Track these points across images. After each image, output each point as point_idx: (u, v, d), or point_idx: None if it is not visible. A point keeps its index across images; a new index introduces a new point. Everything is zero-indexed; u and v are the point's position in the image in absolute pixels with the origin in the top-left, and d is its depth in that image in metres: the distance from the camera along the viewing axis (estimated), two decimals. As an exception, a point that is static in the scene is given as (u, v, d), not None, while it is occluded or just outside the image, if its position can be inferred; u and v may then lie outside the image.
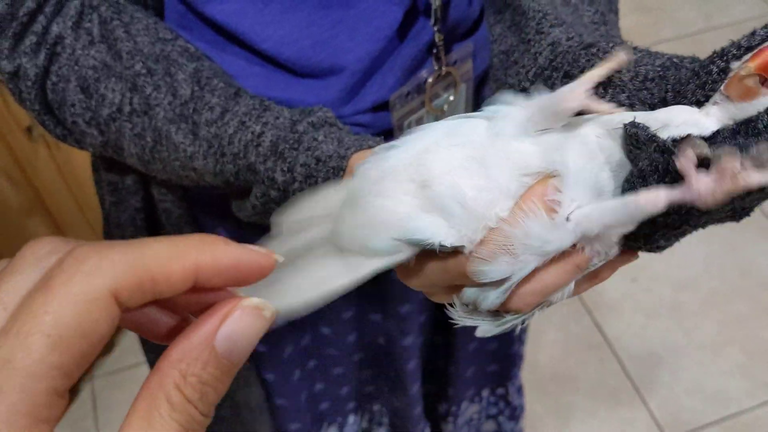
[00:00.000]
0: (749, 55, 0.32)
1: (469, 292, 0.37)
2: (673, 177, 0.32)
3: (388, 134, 0.59)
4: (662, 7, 2.30)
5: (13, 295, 0.23)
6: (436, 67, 0.57)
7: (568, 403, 1.53)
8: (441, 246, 0.34)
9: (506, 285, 0.35)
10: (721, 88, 0.33)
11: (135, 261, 0.22)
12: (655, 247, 0.36)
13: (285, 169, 0.46)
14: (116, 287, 0.22)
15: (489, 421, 1.05)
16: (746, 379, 1.54)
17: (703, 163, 0.31)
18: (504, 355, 0.95)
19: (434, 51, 0.56)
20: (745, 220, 0.36)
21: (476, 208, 0.34)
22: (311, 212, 0.39)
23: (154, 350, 0.77)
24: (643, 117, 0.34)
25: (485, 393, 1.00)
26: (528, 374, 1.03)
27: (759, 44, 0.32)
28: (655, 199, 0.32)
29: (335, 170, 0.44)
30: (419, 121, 0.58)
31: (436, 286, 0.38)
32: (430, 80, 0.56)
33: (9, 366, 0.21)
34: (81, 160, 1.27)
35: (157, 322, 0.27)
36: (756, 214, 0.37)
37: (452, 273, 0.36)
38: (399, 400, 0.88)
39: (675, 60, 0.38)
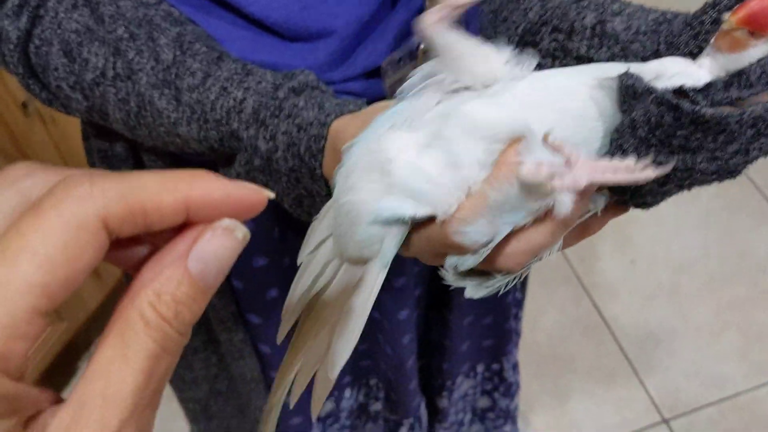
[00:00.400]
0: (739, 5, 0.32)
1: (450, 259, 0.37)
2: (665, 130, 0.32)
3: (380, 101, 0.59)
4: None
5: None
6: (428, 33, 0.56)
7: (566, 383, 1.53)
8: (413, 219, 0.35)
9: (483, 250, 0.35)
10: (712, 41, 0.33)
11: (127, 189, 0.22)
12: (641, 202, 0.37)
13: (267, 137, 0.46)
14: (106, 214, 0.22)
15: (484, 396, 1.05)
16: (743, 362, 1.54)
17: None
18: (499, 330, 0.95)
19: None
20: (744, 204, 0.36)
21: (444, 182, 0.34)
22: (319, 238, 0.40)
23: None
24: (636, 68, 0.34)
25: (480, 368, 1.00)
26: (526, 355, 1.03)
27: None
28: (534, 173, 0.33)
29: (316, 138, 0.44)
30: (411, 88, 0.58)
31: (424, 254, 0.39)
32: (422, 46, 0.56)
33: None
34: (77, 134, 1.26)
35: (144, 262, 0.26)
36: (754, 197, 0.37)
37: (434, 242, 0.36)
38: (394, 374, 0.88)
39: (668, 16, 0.38)
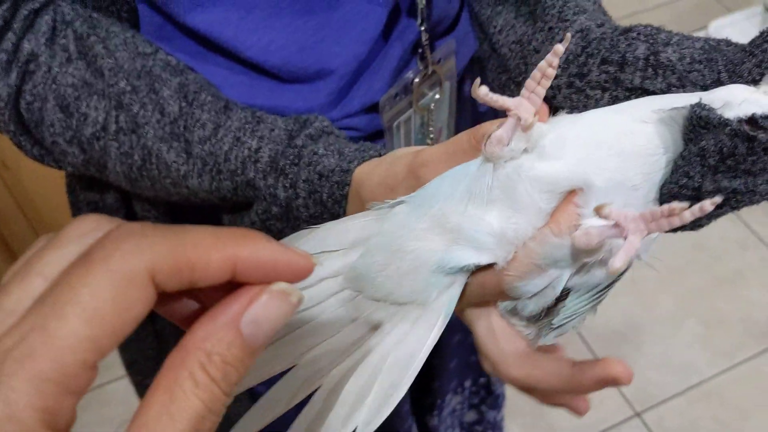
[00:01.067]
0: None
1: (503, 303, 0.38)
2: (736, 159, 0.33)
3: (378, 136, 0.59)
4: (598, -7, 2.35)
5: (54, 268, 0.23)
6: (421, 67, 0.57)
7: (539, 386, 1.56)
8: (476, 266, 0.36)
9: (540, 299, 0.36)
10: (766, 78, 0.35)
11: (175, 244, 0.22)
12: (697, 226, 0.38)
13: (287, 185, 0.46)
14: (154, 268, 0.22)
15: (471, 410, 1.05)
16: (706, 350, 1.59)
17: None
18: (485, 345, 0.95)
19: (419, 50, 0.56)
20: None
21: (505, 234, 0.35)
22: (322, 246, 0.39)
23: (141, 372, 0.75)
24: (705, 97, 0.35)
25: (468, 383, 1.01)
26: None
27: None
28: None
29: (339, 185, 0.44)
30: (407, 122, 0.58)
31: (477, 301, 0.39)
32: (416, 80, 0.56)
33: (43, 334, 0.21)
34: (31, 180, 1.22)
35: (190, 313, 0.27)
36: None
37: (489, 290, 0.37)
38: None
39: (712, 42, 0.39)
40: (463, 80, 0.65)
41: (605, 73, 0.41)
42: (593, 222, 0.34)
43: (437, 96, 0.58)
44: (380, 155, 0.44)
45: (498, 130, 0.35)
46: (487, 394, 1.02)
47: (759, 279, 1.69)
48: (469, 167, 0.36)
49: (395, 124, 0.57)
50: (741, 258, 1.73)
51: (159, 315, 0.26)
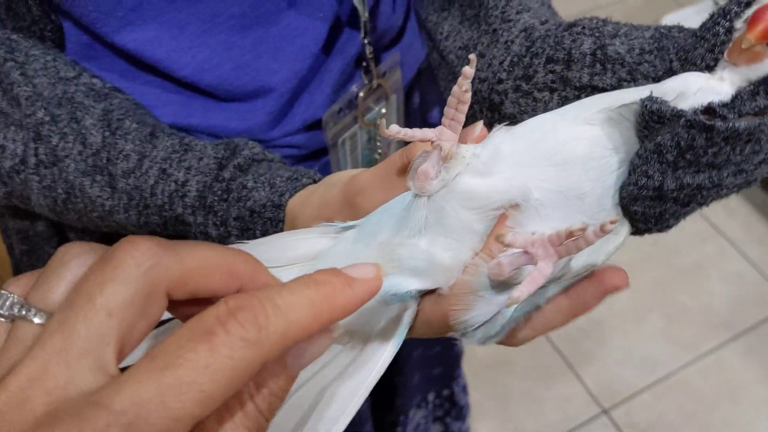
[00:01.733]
0: (750, 10, 0.31)
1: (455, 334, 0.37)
2: (695, 152, 0.31)
3: (322, 153, 0.57)
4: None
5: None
6: (366, 81, 0.54)
7: (506, 387, 1.55)
8: (418, 292, 0.34)
9: (488, 328, 0.35)
10: (725, 56, 0.32)
11: (186, 263, 0.25)
12: (665, 227, 0.36)
13: (217, 223, 0.43)
14: (169, 285, 0.24)
15: (436, 423, 1.04)
16: (670, 343, 1.60)
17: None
18: (447, 356, 0.94)
19: (363, 64, 0.54)
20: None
21: (443, 261, 0.34)
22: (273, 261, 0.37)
23: None
24: (656, 89, 0.33)
25: (431, 397, 0.99)
26: (465, 367, 1.04)
27: None
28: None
29: (272, 221, 0.42)
30: (353, 138, 0.56)
31: (428, 335, 0.37)
32: (361, 94, 0.54)
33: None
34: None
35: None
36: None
37: (436, 325, 0.35)
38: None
39: (663, 30, 0.37)
40: (410, 92, 0.63)
41: (551, 72, 0.39)
42: (537, 226, 0.32)
43: (383, 110, 0.56)
44: (315, 181, 0.42)
45: (423, 164, 0.33)
46: (451, 405, 1.01)
47: (718, 270, 1.71)
48: (406, 197, 0.35)
49: (340, 140, 0.55)
50: (699, 250, 1.75)
51: None
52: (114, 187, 0.45)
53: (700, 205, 0.34)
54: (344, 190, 0.37)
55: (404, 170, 0.35)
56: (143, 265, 0.24)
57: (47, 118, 0.45)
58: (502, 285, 0.33)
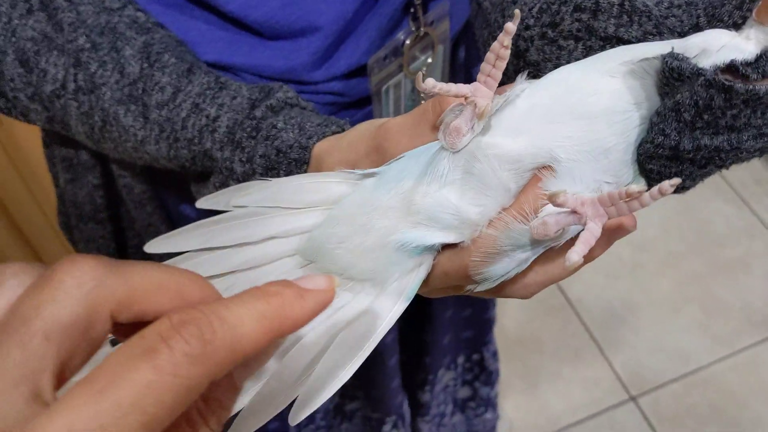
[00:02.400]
0: None
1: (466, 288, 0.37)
2: (713, 112, 0.30)
3: (365, 102, 0.56)
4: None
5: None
6: (413, 28, 0.54)
7: (534, 365, 1.55)
8: (441, 245, 0.34)
9: (498, 279, 0.35)
10: (753, 15, 0.31)
11: (129, 285, 0.24)
12: (681, 187, 0.35)
13: (243, 159, 0.43)
14: (112, 306, 0.23)
15: (465, 387, 1.04)
16: (705, 336, 1.57)
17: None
18: (479, 320, 0.94)
19: (411, 11, 0.53)
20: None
21: (470, 215, 0.33)
22: (274, 200, 0.37)
23: None
24: (678, 45, 0.32)
25: (461, 359, 0.99)
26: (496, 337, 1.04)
27: None
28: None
29: (297, 162, 0.42)
30: (397, 87, 0.55)
31: (441, 289, 0.37)
32: (407, 42, 0.54)
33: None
34: (28, 137, 1.20)
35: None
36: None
37: (453, 277, 0.35)
38: (376, 372, 0.87)
39: None
40: (457, 44, 0.62)
41: (578, 21, 0.39)
42: (550, 209, 0.32)
43: (429, 60, 0.56)
44: (343, 130, 0.42)
45: (456, 120, 0.33)
46: (480, 370, 1.01)
47: (762, 267, 1.67)
48: (432, 147, 0.35)
49: (384, 88, 0.54)
50: (746, 245, 1.70)
51: None
52: (147, 117, 0.45)
53: (719, 167, 0.34)
54: (373, 135, 0.37)
55: (435, 120, 0.35)
56: (84, 285, 0.22)
57: (88, 45, 0.46)
58: (528, 242, 0.33)
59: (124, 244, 0.65)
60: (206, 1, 0.49)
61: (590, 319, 1.60)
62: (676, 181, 0.29)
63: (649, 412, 1.48)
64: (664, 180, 0.33)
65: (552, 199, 0.31)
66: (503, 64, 0.33)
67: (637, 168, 0.34)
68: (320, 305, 0.25)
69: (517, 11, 0.33)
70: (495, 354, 1.02)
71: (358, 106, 0.57)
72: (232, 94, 0.45)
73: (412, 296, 0.35)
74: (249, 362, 0.25)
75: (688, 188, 0.35)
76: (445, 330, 0.90)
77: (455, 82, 0.34)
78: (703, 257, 1.68)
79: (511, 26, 0.32)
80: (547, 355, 1.56)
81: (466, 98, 0.33)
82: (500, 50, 0.32)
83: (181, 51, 0.48)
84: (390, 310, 0.35)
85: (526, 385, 1.52)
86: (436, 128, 0.35)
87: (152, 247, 0.38)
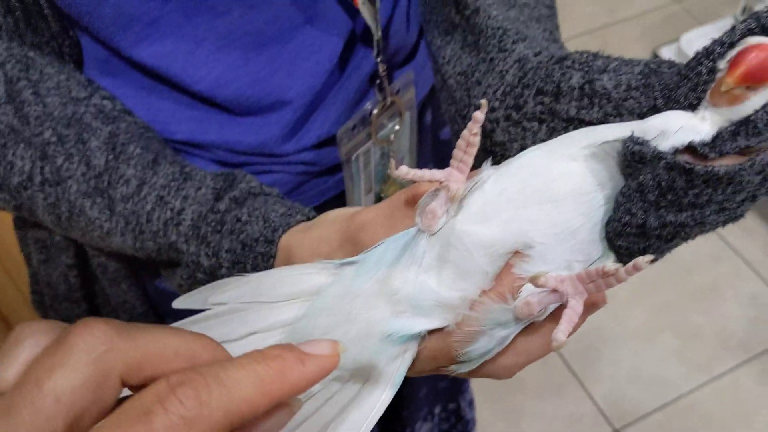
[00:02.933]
0: (733, 52, 0.31)
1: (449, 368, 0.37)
2: (676, 192, 0.31)
3: (336, 169, 0.57)
4: (566, 4, 2.36)
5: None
6: (380, 98, 0.55)
7: (517, 405, 1.54)
8: (426, 332, 0.35)
9: (484, 357, 0.35)
10: (707, 97, 0.33)
11: (141, 348, 0.24)
12: (659, 253, 0.36)
13: (209, 254, 0.44)
14: (123, 371, 0.24)
15: (441, 436, 1.04)
16: (682, 364, 1.59)
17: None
18: (456, 371, 0.94)
19: (377, 81, 0.54)
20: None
21: (451, 300, 0.34)
22: (254, 296, 0.37)
23: None
24: (638, 128, 0.33)
25: (437, 410, 0.99)
26: (475, 382, 1.04)
27: (740, 39, 0.32)
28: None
29: (264, 256, 0.42)
30: (366, 154, 0.56)
31: (427, 370, 0.38)
32: (375, 112, 0.55)
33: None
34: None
35: None
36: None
37: (440, 360, 0.36)
38: None
39: (652, 66, 0.37)
40: (423, 109, 0.63)
41: (541, 104, 0.40)
42: (531, 289, 0.33)
43: (397, 127, 0.57)
44: (309, 218, 0.43)
45: (431, 203, 0.34)
46: (457, 419, 1.00)
47: (733, 291, 1.69)
48: (410, 233, 0.36)
49: (354, 156, 0.55)
50: (715, 270, 1.73)
51: None
52: (113, 210, 0.46)
53: (684, 240, 0.35)
54: (346, 226, 0.38)
55: (409, 208, 0.36)
56: (95, 350, 0.23)
57: (54, 138, 0.46)
58: (510, 320, 0.34)
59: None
60: (175, 81, 0.50)
61: (569, 354, 1.60)
62: (649, 257, 0.30)
63: (633, 444, 1.48)
64: (633, 255, 0.35)
65: (533, 281, 0.32)
66: (474, 150, 0.34)
67: (606, 245, 0.35)
68: (322, 371, 0.25)
69: (483, 101, 0.34)
70: (471, 402, 1.02)
71: (329, 174, 0.58)
72: (196, 185, 0.45)
73: (399, 383, 0.35)
74: (257, 425, 0.25)
75: (664, 253, 0.36)
76: (422, 382, 0.90)
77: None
78: (674, 285, 1.71)
79: (479, 115, 0.33)
80: (529, 394, 1.56)
81: (440, 183, 0.34)
82: (470, 138, 0.34)
83: (147, 139, 0.48)
84: (378, 398, 0.35)
85: (509, 427, 1.52)
86: (410, 218, 0.35)
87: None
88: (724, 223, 0.34)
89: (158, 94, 0.51)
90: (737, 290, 1.70)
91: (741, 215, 0.34)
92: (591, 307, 0.35)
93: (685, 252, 1.74)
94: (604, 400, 1.54)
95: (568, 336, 0.32)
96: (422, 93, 0.60)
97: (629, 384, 1.55)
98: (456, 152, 0.34)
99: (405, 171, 0.34)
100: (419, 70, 0.59)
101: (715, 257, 1.75)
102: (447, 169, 0.34)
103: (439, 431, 1.03)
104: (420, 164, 0.65)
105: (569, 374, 1.58)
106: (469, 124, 0.33)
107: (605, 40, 2.20)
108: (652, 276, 1.71)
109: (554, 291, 0.32)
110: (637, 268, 0.30)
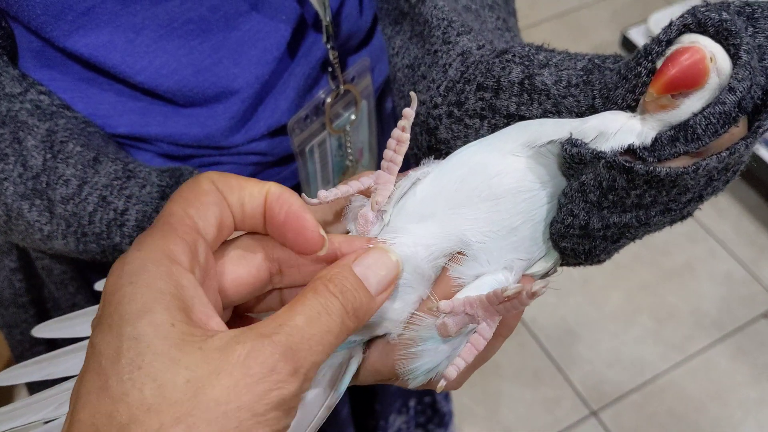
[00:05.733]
0: (670, 50, 0.30)
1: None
2: (618, 192, 0.30)
3: (290, 159, 0.55)
4: (539, -12, 2.34)
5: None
6: (333, 86, 0.53)
7: (495, 390, 1.54)
8: (365, 341, 0.34)
9: (430, 373, 0.35)
10: (641, 102, 0.31)
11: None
12: (596, 261, 0.35)
13: None
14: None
15: (418, 429, 1.03)
16: (658, 344, 1.59)
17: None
18: (429, 363, 0.93)
19: (329, 69, 0.52)
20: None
21: (391, 311, 0.33)
22: None
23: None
24: (577, 126, 0.32)
25: (412, 403, 0.98)
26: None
27: (677, 36, 0.30)
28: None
29: None
30: (322, 145, 0.54)
31: (372, 382, 0.37)
32: (328, 100, 0.52)
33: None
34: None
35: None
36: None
37: (384, 374, 0.35)
38: (330, 425, 0.85)
39: (596, 61, 0.36)
40: (383, 96, 0.61)
41: (481, 100, 0.38)
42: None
43: (353, 117, 0.54)
44: None
45: (362, 209, 0.34)
46: (433, 412, 0.99)
47: (707, 271, 1.70)
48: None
49: (308, 147, 0.53)
50: (689, 251, 1.73)
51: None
52: (52, 212, 0.43)
53: (631, 240, 0.34)
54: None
55: (339, 214, 0.35)
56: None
57: None
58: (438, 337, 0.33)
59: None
60: (114, 73, 0.47)
61: (546, 338, 1.60)
62: (545, 282, 0.30)
63: (611, 426, 1.48)
64: (578, 255, 0.34)
65: (432, 309, 0.32)
66: (404, 148, 0.33)
67: (551, 244, 0.34)
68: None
69: (413, 93, 0.33)
70: (447, 396, 1.01)
71: (284, 164, 0.56)
72: (141, 183, 0.43)
73: (343, 389, 0.34)
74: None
75: (602, 261, 0.36)
76: (392, 376, 0.89)
77: (385, 132, 0.34)
78: (650, 266, 1.71)
79: (409, 111, 0.32)
80: (507, 379, 1.55)
81: (369, 189, 0.34)
82: (400, 135, 0.33)
83: (88, 135, 0.46)
84: (322, 403, 0.34)
85: (488, 412, 1.51)
86: (341, 221, 0.35)
87: (40, 331, 0.38)
88: (671, 223, 0.33)
89: (98, 86, 0.48)
90: (711, 270, 1.70)
91: (689, 215, 0.33)
92: (505, 327, 0.34)
93: (659, 233, 1.74)
94: (582, 383, 1.54)
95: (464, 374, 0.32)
96: (379, 80, 0.58)
97: (606, 366, 1.55)
98: (386, 152, 0.33)
99: (324, 195, 0.33)
100: (376, 56, 0.56)
101: (690, 237, 1.75)
102: (377, 172, 0.33)
103: (416, 424, 1.02)
104: (380, 155, 0.63)
105: (546, 358, 1.57)
106: (400, 121, 0.32)
107: (575, 24, 2.19)
108: (627, 258, 1.71)
109: (466, 314, 0.32)
110: (535, 294, 0.30)
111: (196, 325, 0.26)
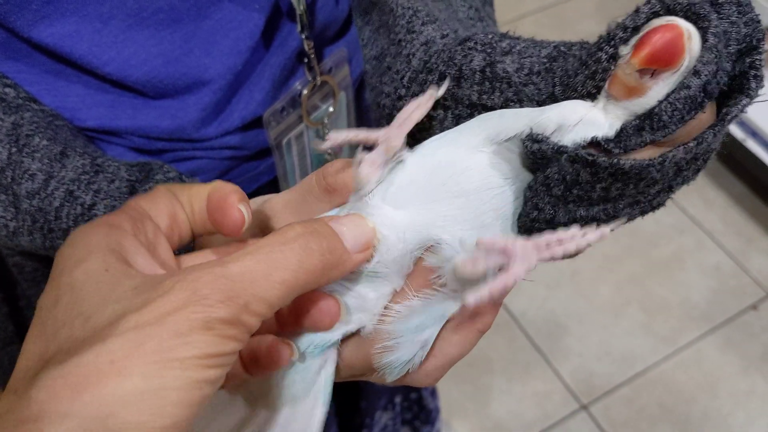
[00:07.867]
0: (637, 36, 0.28)
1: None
2: (582, 186, 0.29)
3: (266, 153, 0.53)
4: (525, -20, 2.33)
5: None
6: (309, 77, 0.51)
7: (485, 385, 1.53)
8: (341, 336, 0.33)
9: (406, 365, 0.34)
10: (605, 87, 0.30)
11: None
12: (570, 255, 0.34)
13: None
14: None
15: (405, 426, 1.02)
16: (648, 336, 1.59)
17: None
18: (415, 359, 0.92)
19: (305, 60, 0.51)
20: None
21: (368, 302, 0.33)
22: None
23: None
24: (535, 118, 0.31)
25: (398, 399, 0.98)
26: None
27: (645, 22, 0.29)
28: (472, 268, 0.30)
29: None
30: (299, 138, 0.53)
31: (350, 378, 0.36)
32: (305, 92, 0.51)
33: None
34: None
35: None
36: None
37: (358, 368, 0.34)
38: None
39: (562, 48, 0.34)
40: (362, 88, 0.60)
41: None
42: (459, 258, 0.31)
43: (331, 109, 0.53)
44: None
45: (370, 153, 0.32)
46: (419, 409, 0.98)
47: (696, 262, 1.70)
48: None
49: (285, 140, 0.52)
50: (677, 242, 1.73)
51: None
52: (18, 207, 0.42)
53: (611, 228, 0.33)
54: (256, 216, 0.35)
55: (322, 190, 0.34)
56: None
57: None
58: (422, 325, 0.32)
59: (23, 324, 0.60)
60: (81, 64, 0.45)
61: (535, 332, 1.59)
62: (610, 227, 0.29)
63: (601, 419, 1.48)
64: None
65: (478, 244, 0.30)
66: (420, 113, 0.33)
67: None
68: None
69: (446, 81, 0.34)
70: (434, 392, 1.00)
71: (259, 158, 0.54)
72: (109, 177, 0.42)
73: (328, 398, 0.33)
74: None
75: (573, 255, 0.34)
76: (377, 373, 0.88)
77: (365, 124, 0.33)
78: (638, 258, 1.70)
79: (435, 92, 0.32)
80: (497, 373, 1.55)
81: (377, 140, 0.33)
82: (423, 100, 0.34)
83: (55, 129, 0.44)
84: (315, 414, 0.33)
85: (478, 407, 1.51)
86: (323, 201, 0.33)
87: None
88: (642, 214, 0.32)
89: (65, 78, 0.47)
90: (699, 261, 1.70)
91: (660, 205, 0.32)
92: (478, 315, 0.34)
93: (647, 225, 1.74)
94: (571, 376, 1.53)
95: (482, 301, 0.29)
96: (358, 71, 0.57)
97: (596, 360, 1.55)
98: (405, 109, 0.33)
99: (335, 136, 0.32)
100: (354, 46, 0.55)
101: (678, 229, 1.75)
102: (385, 128, 0.33)
103: (402, 421, 1.01)
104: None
105: (536, 352, 1.57)
106: (429, 91, 0.33)
107: (560, 17, 2.18)
108: (616, 250, 1.70)
109: (502, 251, 0.30)
110: (603, 235, 0.29)
111: (136, 270, 0.27)
